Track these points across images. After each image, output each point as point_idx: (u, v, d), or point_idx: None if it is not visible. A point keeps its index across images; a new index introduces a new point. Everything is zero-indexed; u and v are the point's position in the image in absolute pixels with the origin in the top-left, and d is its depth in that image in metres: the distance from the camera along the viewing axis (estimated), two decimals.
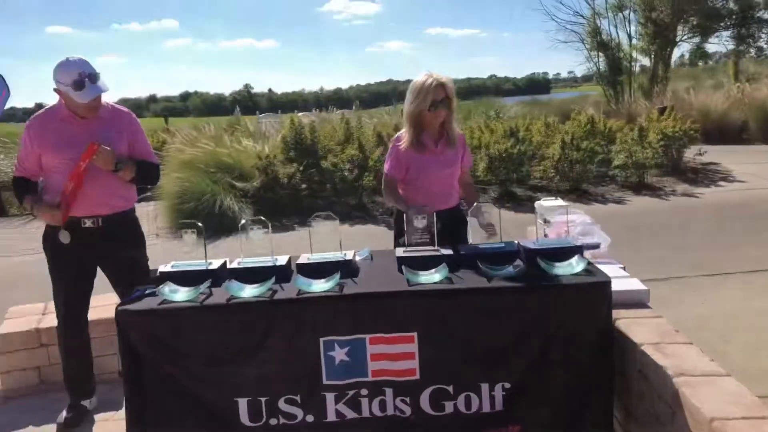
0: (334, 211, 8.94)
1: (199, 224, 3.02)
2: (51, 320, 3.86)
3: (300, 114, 15.84)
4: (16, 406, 3.72)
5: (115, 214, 3.32)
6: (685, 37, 22.58)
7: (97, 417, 3.55)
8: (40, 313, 4.10)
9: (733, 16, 21.75)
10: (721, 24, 21.87)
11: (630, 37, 22.31)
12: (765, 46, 23.30)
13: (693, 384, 2.35)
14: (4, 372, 3.83)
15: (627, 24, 22.28)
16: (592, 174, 9.81)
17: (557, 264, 2.78)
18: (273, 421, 2.71)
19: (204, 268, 2.92)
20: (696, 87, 20.15)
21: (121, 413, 3.42)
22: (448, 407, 2.70)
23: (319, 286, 2.71)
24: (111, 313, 3.36)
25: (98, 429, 3.44)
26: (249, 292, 2.71)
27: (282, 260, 2.95)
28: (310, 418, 2.71)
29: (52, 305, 4.08)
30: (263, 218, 3.01)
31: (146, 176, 3.41)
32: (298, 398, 2.70)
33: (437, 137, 3.44)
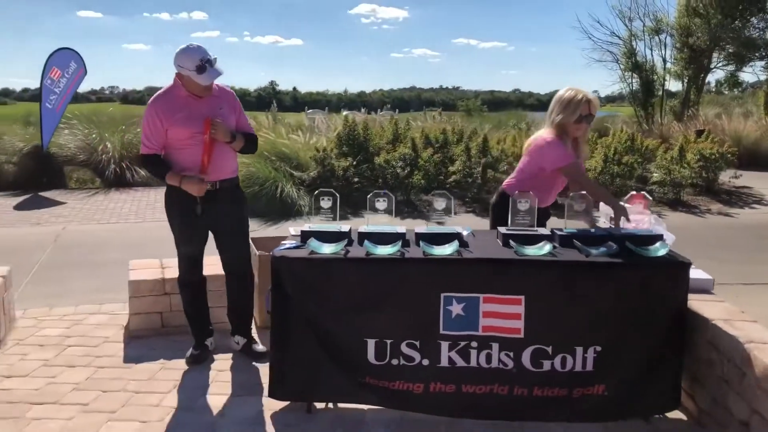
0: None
1: (335, 193, 3.54)
2: (171, 272, 4.41)
3: (347, 113, 16.39)
4: (144, 343, 4.25)
5: (227, 179, 3.84)
6: (720, 64, 22.97)
7: (216, 356, 4.06)
8: (158, 267, 4.63)
9: None
10: (756, 54, 22.22)
11: (665, 60, 22.69)
12: None
13: (762, 349, 2.83)
14: (134, 314, 4.36)
15: (663, 48, 22.67)
16: (631, 188, 10.25)
17: (646, 247, 3.25)
18: (395, 362, 3.20)
19: (339, 230, 3.42)
20: (726, 114, 20.61)
21: (237, 360, 3.97)
22: (546, 365, 3.16)
23: (441, 250, 3.21)
24: (219, 271, 3.98)
25: (219, 365, 3.95)
26: (383, 250, 3.21)
27: (401, 229, 3.46)
28: (425, 362, 3.19)
29: (167, 261, 4.66)
30: (387, 191, 3.54)
31: (250, 146, 3.94)
32: (417, 343, 3.18)
33: (572, 149, 3.88)
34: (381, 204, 3.52)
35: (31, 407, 3.38)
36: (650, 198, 4.00)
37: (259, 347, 4.07)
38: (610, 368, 3.17)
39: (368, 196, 3.57)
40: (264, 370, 3.65)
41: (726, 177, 11.17)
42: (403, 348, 3.19)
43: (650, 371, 3.20)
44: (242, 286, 4.07)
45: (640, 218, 3.75)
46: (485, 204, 9.51)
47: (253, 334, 4.19)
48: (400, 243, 3.27)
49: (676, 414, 3.34)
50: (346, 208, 9.37)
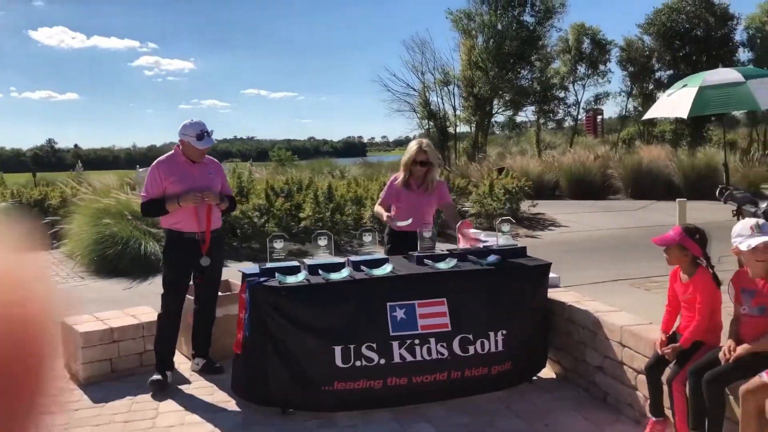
0: (242, 254, 10.22)
1: (285, 235, 4.42)
2: (115, 323, 4.96)
3: None
4: (101, 387, 4.69)
5: (215, 230, 4.74)
6: (500, 109, 26.58)
7: (178, 386, 4.67)
8: (94, 320, 5.07)
9: (537, 94, 26.06)
10: (528, 100, 26.10)
11: (455, 108, 25.77)
12: (561, 119, 28.07)
13: (607, 314, 4.21)
14: (86, 363, 4.78)
15: (452, 97, 25.76)
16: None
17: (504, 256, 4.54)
18: (358, 363, 4.08)
19: (293, 264, 4.30)
20: (505, 152, 24.07)
21: (195, 384, 4.62)
22: (471, 349, 4.24)
23: (380, 271, 4.23)
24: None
25: (187, 390, 4.57)
26: (337, 276, 4.15)
27: (341, 259, 4.42)
28: (382, 361, 4.10)
29: (97, 315, 5.14)
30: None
31: (232, 207, 4.99)
32: (374, 345, 4.10)
33: (420, 182, 5.08)
34: (323, 241, 4.43)
35: None
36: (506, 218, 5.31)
37: (217, 364, 4.86)
38: (513, 347, 4.35)
39: (313, 236, 4.48)
40: (226, 385, 4.45)
41: (525, 206, 13.38)
42: (364, 350, 4.10)
43: (533, 345, 4.46)
44: (210, 318, 4.89)
45: (474, 237, 4.97)
46: (337, 244, 10.61)
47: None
48: (347, 269, 4.23)
49: (548, 374, 4.63)
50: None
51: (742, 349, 3.07)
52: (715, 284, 3.37)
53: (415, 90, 25.81)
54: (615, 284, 7.60)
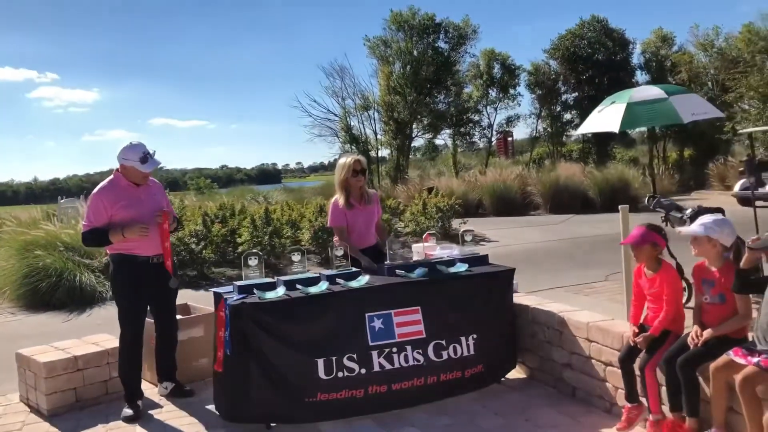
0: (181, 281, 9.99)
1: (260, 252, 4.47)
2: (77, 350, 4.83)
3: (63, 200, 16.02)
4: (68, 417, 4.55)
5: (164, 254, 4.66)
6: (420, 133, 27.22)
7: (150, 411, 4.58)
8: (54, 350, 4.91)
9: (453, 117, 26.88)
10: (445, 123, 26.87)
11: (376, 132, 26.20)
12: (476, 141, 29.02)
13: (570, 313, 4.48)
14: (50, 393, 4.61)
15: (373, 122, 26.18)
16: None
17: (454, 266, 4.74)
18: (340, 374, 4.16)
19: (270, 281, 4.34)
20: (424, 174, 24.71)
21: (166, 408, 4.56)
22: (445, 354, 4.40)
23: (357, 282, 4.34)
24: None
25: (160, 416, 4.50)
26: (316, 289, 4.23)
27: (315, 273, 4.50)
28: (363, 371, 4.20)
29: (56, 344, 4.98)
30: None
31: (178, 227, 4.96)
32: (355, 356, 4.20)
33: (359, 197, 5.21)
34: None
35: None
36: (437, 235, 5.50)
37: (187, 387, 4.82)
38: (483, 350, 4.54)
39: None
40: (200, 407, 4.47)
41: (456, 224, 13.77)
42: (345, 361, 4.19)
43: (502, 347, 4.68)
44: (172, 337, 4.83)
45: (432, 248, 5.18)
46: (274, 267, 10.59)
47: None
48: (326, 282, 4.32)
49: (516, 375, 4.86)
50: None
51: (707, 333, 3.38)
52: (679, 276, 3.70)
53: (336, 115, 26.08)
54: (555, 292, 7.97)
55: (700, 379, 3.37)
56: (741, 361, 3.14)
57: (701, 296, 3.56)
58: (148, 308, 4.75)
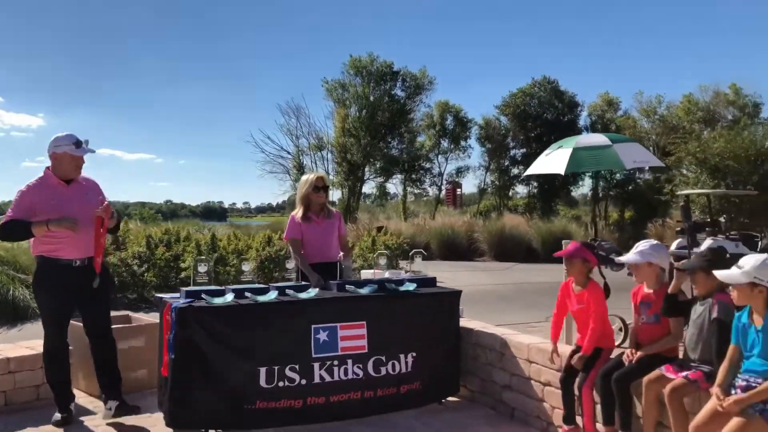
0: (118, 303, 9.77)
1: (209, 259, 4.45)
2: (12, 352, 4.67)
3: None
4: (2, 419, 4.38)
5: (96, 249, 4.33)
6: (372, 176, 27.55)
7: (83, 418, 4.44)
8: None
9: (405, 163, 27.36)
10: (397, 168, 27.31)
11: (328, 173, 26.33)
12: (426, 188, 29.57)
13: (511, 336, 4.60)
14: None
15: (325, 162, 26.41)
16: None
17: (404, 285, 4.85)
18: (281, 384, 4.15)
19: (218, 288, 4.33)
20: (373, 219, 24.96)
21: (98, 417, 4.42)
22: (383, 370, 4.45)
23: (306, 294, 4.37)
24: None
25: (95, 422, 4.37)
26: (266, 297, 4.24)
27: (264, 285, 4.51)
28: (303, 381, 4.22)
29: (2, 346, 4.83)
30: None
31: (117, 227, 4.63)
32: (297, 366, 4.21)
33: (319, 212, 5.31)
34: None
35: None
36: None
37: (132, 404, 4.40)
38: (421, 368, 4.60)
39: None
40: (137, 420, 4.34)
41: (404, 264, 13.90)
42: (287, 372, 4.19)
43: (443, 368, 4.74)
44: (109, 347, 4.46)
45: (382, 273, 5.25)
46: None
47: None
48: (275, 292, 4.34)
49: (456, 397, 4.91)
50: None
51: (642, 351, 3.54)
52: (605, 295, 3.90)
53: (289, 153, 26.21)
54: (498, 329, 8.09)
55: (633, 395, 3.50)
56: (671, 376, 3.30)
57: (638, 317, 3.73)
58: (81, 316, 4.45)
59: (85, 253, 4.31)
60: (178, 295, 4.32)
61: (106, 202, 4.34)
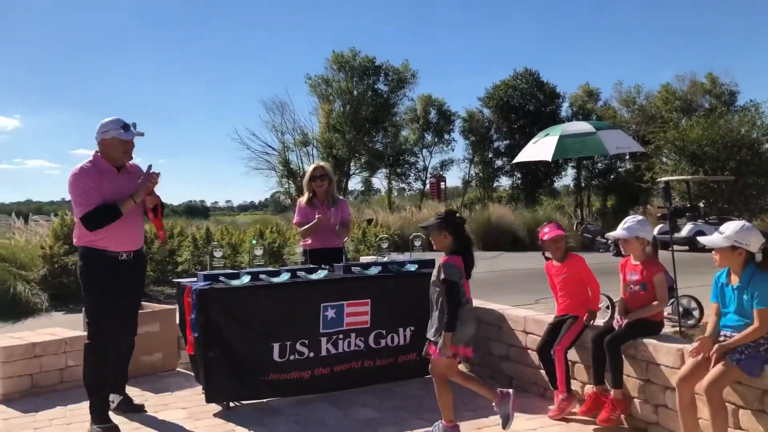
0: None
1: (223, 244, 4.73)
2: (39, 337, 4.96)
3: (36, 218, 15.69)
4: (23, 402, 4.63)
5: (139, 250, 4.36)
6: (358, 171, 27.81)
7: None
8: (9, 336, 4.99)
9: (390, 158, 27.67)
10: (382, 163, 27.61)
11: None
12: (411, 182, 29.90)
13: (508, 311, 4.92)
14: (6, 378, 4.68)
15: (311, 158, 26.59)
16: None
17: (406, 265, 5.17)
18: (292, 357, 4.48)
19: (233, 272, 4.60)
20: (359, 213, 25.26)
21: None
22: (383, 342, 4.79)
23: (316, 275, 4.66)
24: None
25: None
26: (280, 279, 4.52)
27: (277, 268, 4.79)
28: (311, 355, 4.54)
29: (26, 333, 5.06)
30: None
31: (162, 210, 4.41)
32: (306, 341, 4.52)
33: (323, 199, 5.60)
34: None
35: None
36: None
37: (136, 401, 4.46)
38: (418, 341, 4.90)
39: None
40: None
41: (395, 255, 14.21)
42: (298, 346, 4.50)
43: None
44: (130, 344, 4.45)
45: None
46: None
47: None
48: (288, 274, 4.62)
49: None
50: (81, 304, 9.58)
51: (631, 316, 3.87)
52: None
53: (274, 149, 26.38)
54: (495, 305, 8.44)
55: (624, 356, 3.84)
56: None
57: (626, 286, 4.06)
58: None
59: (131, 246, 4.20)
60: (195, 279, 4.59)
61: (156, 173, 4.21)
